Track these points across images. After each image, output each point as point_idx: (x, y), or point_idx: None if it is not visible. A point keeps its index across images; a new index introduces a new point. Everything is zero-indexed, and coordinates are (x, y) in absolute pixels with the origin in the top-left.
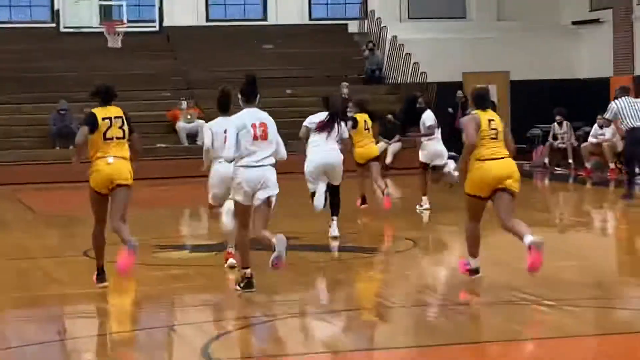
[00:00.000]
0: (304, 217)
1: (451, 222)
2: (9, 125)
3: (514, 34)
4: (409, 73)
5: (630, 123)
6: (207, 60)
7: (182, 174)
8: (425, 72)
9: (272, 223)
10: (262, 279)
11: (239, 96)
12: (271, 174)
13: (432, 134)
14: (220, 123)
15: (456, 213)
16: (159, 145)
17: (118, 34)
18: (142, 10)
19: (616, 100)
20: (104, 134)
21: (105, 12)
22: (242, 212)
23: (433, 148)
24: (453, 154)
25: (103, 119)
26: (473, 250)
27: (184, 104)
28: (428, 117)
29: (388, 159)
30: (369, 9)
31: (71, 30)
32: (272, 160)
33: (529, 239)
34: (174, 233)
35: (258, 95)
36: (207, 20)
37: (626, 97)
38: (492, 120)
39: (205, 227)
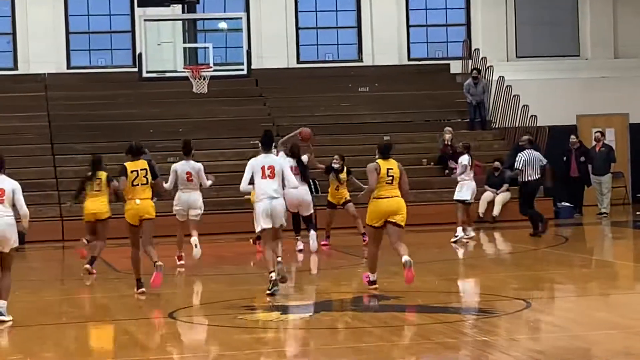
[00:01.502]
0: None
1: (565, 280)
2: None
3: (633, 72)
4: (518, 116)
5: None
6: (298, 105)
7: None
8: (535, 116)
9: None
10: (357, 338)
11: (259, 145)
12: (277, 204)
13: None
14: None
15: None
16: (247, 197)
17: (204, 78)
18: (229, 52)
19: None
20: (132, 181)
21: (190, 56)
22: (264, 235)
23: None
24: (567, 204)
25: (132, 171)
26: (372, 267)
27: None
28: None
29: (495, 210)
30: (472, 48)
31: (154, 75)
32: (279, 193)
33: (404, 258)
34: (264, 293)
35: (273, 145)
36: (298, 62)
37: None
38: (391, 168)
39: (298, 286)
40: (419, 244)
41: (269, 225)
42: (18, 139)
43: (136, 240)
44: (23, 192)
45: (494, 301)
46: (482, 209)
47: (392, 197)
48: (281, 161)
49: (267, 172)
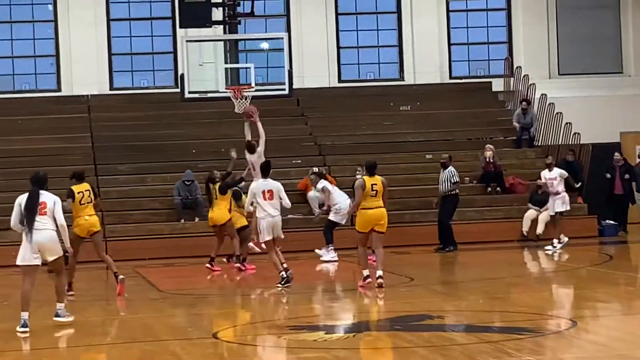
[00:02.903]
0: (445, 294)
1: (610, 299)
2: (131, 198)
3: None
4: (561, 134)
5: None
6: (339, 124)
7: (315, 247)
8: (578, 133)
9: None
10: None
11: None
12: (278, 220)
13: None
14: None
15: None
16: (290, 216)
17: (245, 99)
18: (271, 72)
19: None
20: (80, 201)
21: (232, 76)
22: (268, 244)
23: None
24: (611, 222)
25: (78, 192)
26: (365, 265)
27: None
28: None
29: (539, 229)
30: (515, 66)
31: (196, 95)
32: (277, 212)
33: (378, 272)
34: (307, 312)
35: (270, 171)
36: (339, 81)
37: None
38: (375, 184)
39: (342, 306)
40: (462, 263)
41: (271, 237)
42: (62, 160)
43: (78, 249)
44: (66, 212)
45: (538, 320)
46: (525, 227)
47: (376, 207)
48: (278, 185)
49: (267, 195)
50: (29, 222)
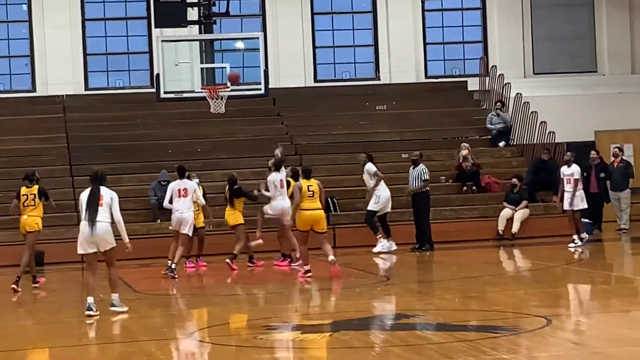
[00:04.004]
0: (421, 293)
1: (585, 297)
2: None
3: None
4: (536, 133)
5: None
6: (316, 123)
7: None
8: (553, 132)
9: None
10: None
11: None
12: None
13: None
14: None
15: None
16: (267, 216)
17: (221, 98)
18: (247, 72)
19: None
20: (23, 203)
21: (208, 76)
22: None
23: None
24: (586, 220)
25: (23, 194)
26: (306, 261)
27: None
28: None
29: (515, 227)
30: (490, 65)
31: (172, 95)
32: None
33: (330, 258)
34: (283, 312)
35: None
36: (315, 81)
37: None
38: (311, 186)
39: (318, 305)
40: (438, 262)
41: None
42: (37, 161)
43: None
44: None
45: (514, 318)
46: (501, 226)
47: (314, 209)
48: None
49: (182, 192)
50: (91, 216)
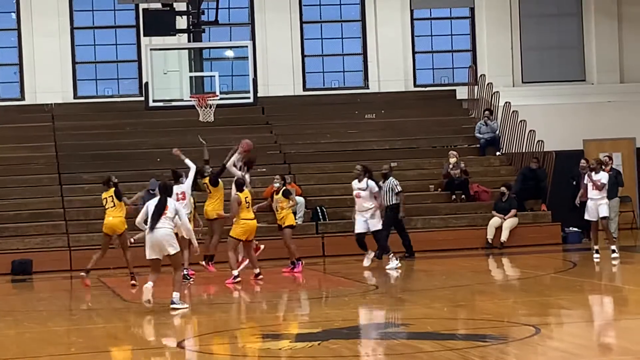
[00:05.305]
0: (410, 301)
1: (573, 306)
2: (95, 207)
3: (639, 97)
4: (524, 142)
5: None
6: (304, 132)
7: (279, 256)
8: (542, 141)
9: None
10: None
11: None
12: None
13: None
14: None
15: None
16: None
17: (210, 107)
18: (235, 81)
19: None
20: (105, 206)
21: (197, 84)
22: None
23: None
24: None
25: (104, 198)
26: (234, 266)
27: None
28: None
29: (503, 236)
30: (479, 74)
31: (160, 104)
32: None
33: (256, 270)
34: (272, 321)
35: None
36: (304, 89)
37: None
38: (247, 197)
39: (306, 314)
40: (427, 270)
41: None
42: (25, 169)
43: (107, 246)
44: (30, 221)
45: (503, 327)
46: (490, 234)
47: (252, 219)
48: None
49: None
50: (152, 223)
